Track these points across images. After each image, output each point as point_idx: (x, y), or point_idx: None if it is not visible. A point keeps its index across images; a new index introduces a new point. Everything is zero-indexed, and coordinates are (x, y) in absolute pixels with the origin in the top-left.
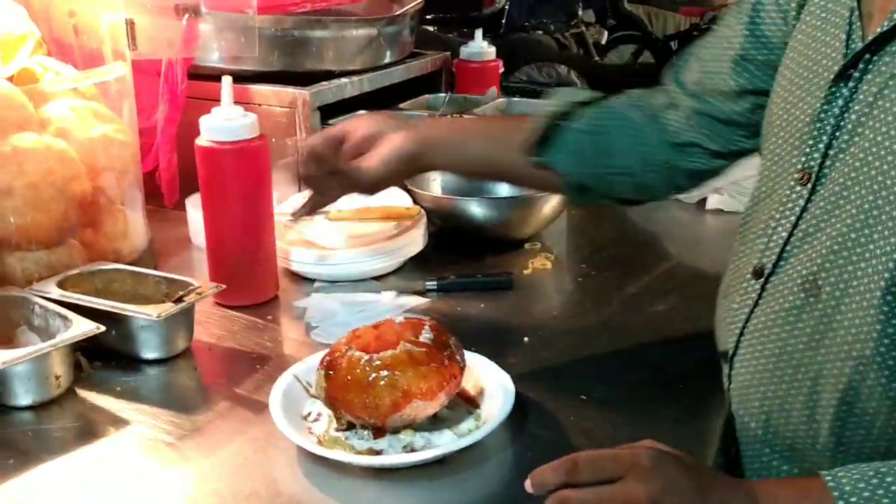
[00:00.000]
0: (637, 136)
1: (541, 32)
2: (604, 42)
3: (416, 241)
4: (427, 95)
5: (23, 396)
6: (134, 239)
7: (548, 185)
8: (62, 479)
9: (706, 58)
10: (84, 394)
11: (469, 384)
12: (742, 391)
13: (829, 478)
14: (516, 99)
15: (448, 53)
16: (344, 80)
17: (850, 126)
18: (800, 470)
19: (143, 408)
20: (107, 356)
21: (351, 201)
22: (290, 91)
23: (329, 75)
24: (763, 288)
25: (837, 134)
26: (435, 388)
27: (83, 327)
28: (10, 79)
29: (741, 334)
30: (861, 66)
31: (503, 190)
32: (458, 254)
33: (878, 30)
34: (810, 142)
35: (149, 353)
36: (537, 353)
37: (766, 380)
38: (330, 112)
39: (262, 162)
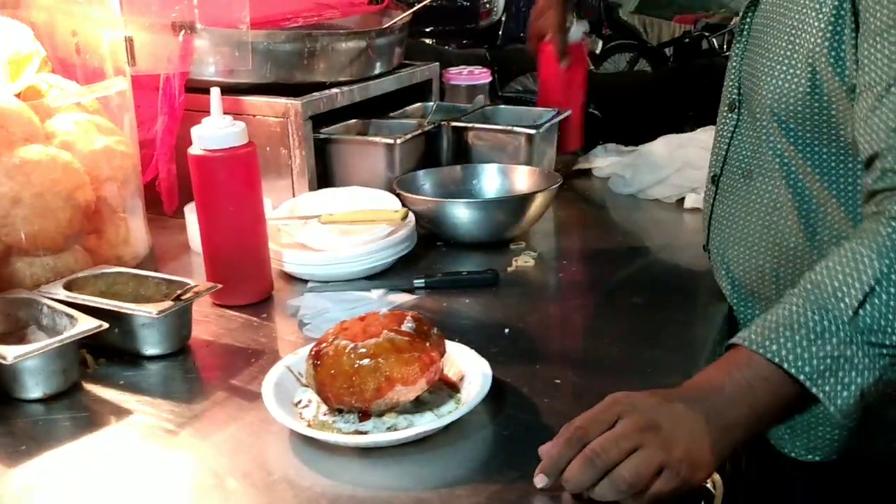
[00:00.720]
0: None
1: None
2: (598, 51)
3: (405, 241)
4: (416, 104)
5: (33, 389)
6: (135, 245)
7: None
8: (71, 464)
9: None
10: (90, 387)
11: (451, 371)
12: (716, 265)
13: (735, 339)
14: (503, 106)
15: (437, 64)
16: (335, 90)
17: (745, 70)
18: (760, 311)
19: (145, 399)
20: (110, 353)
21: (342, 205)
22: (282, 102)
23: (320, 86)
24: (717, 187)
25: (741, 76)
26: (416, 373)
27: (88, 325)
28: (18, 95)
29: (710, 225)
30: (746, 22)
31: (489, 192)
32: (445, 253)
33: None
34: (730, 81)
35: (150, 350)
36: (517, 342)
37: (725, 246)
38: (322, 121)
39: (252, 167)
